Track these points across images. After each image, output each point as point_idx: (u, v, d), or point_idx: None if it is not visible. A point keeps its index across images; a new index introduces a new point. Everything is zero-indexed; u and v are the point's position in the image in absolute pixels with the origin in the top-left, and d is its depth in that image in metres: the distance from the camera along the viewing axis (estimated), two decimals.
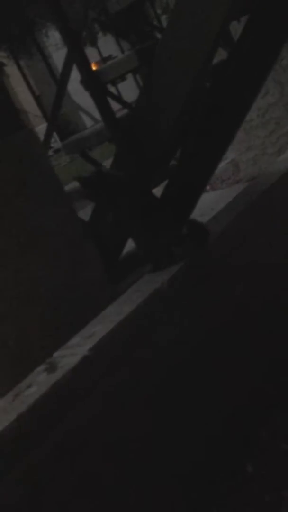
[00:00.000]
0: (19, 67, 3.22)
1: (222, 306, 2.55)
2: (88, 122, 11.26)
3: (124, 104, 3.04)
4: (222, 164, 3.30)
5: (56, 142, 10.39)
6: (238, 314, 2.60)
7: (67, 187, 2.94)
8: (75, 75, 3.78)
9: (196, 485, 2.27)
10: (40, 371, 2.07)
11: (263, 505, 2.07)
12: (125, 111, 3.34)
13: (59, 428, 1.87)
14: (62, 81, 3.09)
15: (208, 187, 3.15)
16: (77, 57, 2.60)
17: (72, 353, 2.10)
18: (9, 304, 2.24)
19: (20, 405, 1.92)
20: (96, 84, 2.58)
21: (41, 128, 7.27)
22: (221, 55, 3.35)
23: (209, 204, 3.10)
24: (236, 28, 3.27)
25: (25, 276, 2.29)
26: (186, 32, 2.40)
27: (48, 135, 3.26)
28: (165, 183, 2.83)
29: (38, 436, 1.85)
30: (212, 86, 2.82)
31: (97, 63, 8.68)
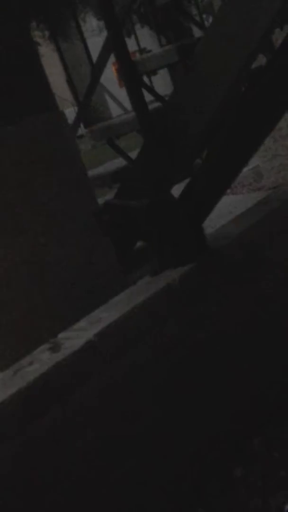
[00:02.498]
0: (59, 49, 3.20)
1: (231, 309, 2.56)
2: (114, 109, 11.23)
3: (158, 97, 3.02)
4: (245, 170, 3.29)
5: (79, 128, 10.36)
6: (247, 322, 2.61)
7: (89, 173, 2.94)
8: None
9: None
10: (44, 350, 2.09)
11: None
12: (156, 104, 3.34)
13: (55, 408, 1.89)
14: (98, 67, 3.08)
15: (228, 191, 3.15)
16: (116, 46, 2.59)
17: (77, 336, 2.12)
18: (24, 280, 2.26)
19: (19, 381, 1.94)
20: (133, 74, 2.57)
21: (67, 112, 7.25)
22: (259, 61, 3.34)
23: (228, 208, 3.10)
24: (278, 36, 3.26)
25: (41, 256, 2.31)
26: (230, 33, 2.39)
27: (78, 119, 3.27)
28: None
29: (35, 413, 1.87)
30: (247, 90, 2.81)
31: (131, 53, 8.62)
